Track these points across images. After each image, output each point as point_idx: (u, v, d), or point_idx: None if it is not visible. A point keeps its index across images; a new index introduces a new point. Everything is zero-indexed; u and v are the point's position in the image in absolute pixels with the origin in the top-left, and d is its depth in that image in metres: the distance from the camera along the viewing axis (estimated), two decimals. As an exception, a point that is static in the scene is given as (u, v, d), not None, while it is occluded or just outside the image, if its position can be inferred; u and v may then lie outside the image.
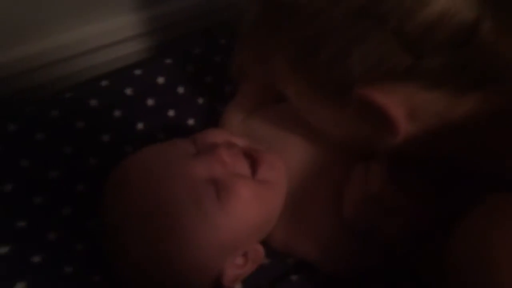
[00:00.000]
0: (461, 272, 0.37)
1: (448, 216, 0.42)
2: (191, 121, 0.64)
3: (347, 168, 0.52)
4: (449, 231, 0.40)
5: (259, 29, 0.46)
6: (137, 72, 0.61)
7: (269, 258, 0.53)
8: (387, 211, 0.47)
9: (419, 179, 0.50)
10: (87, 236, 0.51)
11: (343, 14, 0.38)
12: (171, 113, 0.62)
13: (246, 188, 0.47)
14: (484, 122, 0.42)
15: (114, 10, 0.63)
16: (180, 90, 0.63)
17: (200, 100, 0.65)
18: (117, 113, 0.58)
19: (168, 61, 0.64)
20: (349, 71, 0.40)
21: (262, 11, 0.44)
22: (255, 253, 0.50)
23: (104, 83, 0.59)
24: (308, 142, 0.55)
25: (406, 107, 0.41)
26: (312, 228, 0.52)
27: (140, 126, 0.60)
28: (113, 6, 0.63)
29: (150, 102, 0.61)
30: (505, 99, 0.40)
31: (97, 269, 0.49)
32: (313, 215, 0.53)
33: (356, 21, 0.38)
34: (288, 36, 0.43)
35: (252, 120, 0.60)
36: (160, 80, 0.62)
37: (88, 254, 0.50)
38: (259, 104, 0.61)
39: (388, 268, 0.51)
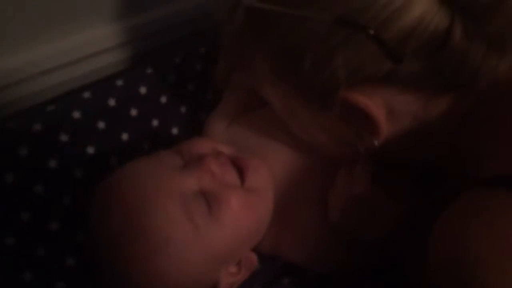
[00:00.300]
0: (440, 269, 0.38)
1: (429, 215, 0.43)
2: (175, 130, 0.64)
3: (331, 172, 0.53)
4: (430, 230, 0.41)
5: (242, 37, 0.47)
6: (119, 82, 0.61)
7: (259, 263, 0.53)
8: (370, 213, 0.49)
9: (400, 180, 0.52)
10: (76, 250, 0.51)
11: (325, 22, 0.39)
12: (155, 122, 0.62)
13: (236, 198, 0.47)
14: (456, 123, 0.44)
15: (92, 21, 0.62)
16: (163, 99, 0.63)
17: (183, 109, 0.65)
18: (101, 124, 0.58)
19: (149, 70, 0.64)
20: (333, 76, 0.41)
21: (246, 18, 0.44)
22: (248, 260, 0.50)
23: (86, 94, 0.58)
24: (292, 148, 0.56)
25: (386, 109, 0.43)
26: (299, 231, 0.53)
27: (124, 136, 0.59)
28: (92, 17, 0.62)
29: (133, 112, 0.60)
30: (472, 100, 0.43)
31: (89, 283, 0.49)
32: (299, 219, 0.54)
33: (338, 29, 0.39)
34: (271, 43, 0.44)
35: (235, 127, 0.60)
36: (143, 90, 0.62)
37: (79, 268, 0.50)
38: (242, 112, 0.62)
39: (376, 268, 0.52)
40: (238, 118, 0.61)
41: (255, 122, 0.60)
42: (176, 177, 0.47)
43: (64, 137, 0.55)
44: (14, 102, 0.57)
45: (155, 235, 0.44)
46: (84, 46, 0.62)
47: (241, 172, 0.50)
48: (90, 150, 0.56)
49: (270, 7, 0.41)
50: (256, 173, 0.51)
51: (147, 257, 0.44)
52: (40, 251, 0.49)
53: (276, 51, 0.44)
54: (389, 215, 0.49)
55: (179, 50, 0.68)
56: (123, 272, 0.45)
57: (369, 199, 0.48)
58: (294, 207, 0.54)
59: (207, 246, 0.46)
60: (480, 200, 0.38)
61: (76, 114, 0.56)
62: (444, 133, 0.46)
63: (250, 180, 0.50)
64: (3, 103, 0.56)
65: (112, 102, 0.59)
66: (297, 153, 0.56)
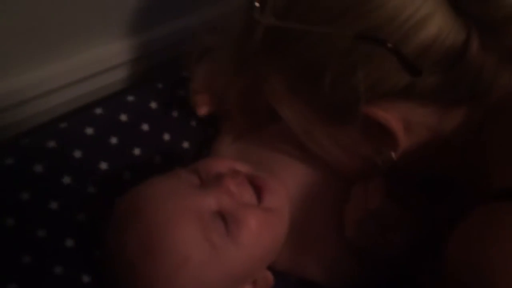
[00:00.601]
0: (459, 280, 0.38)
1: (445, 227, 0.44)
2: (185, 144, 0.64)
3: (344, 188, 0.53)
4: (446, 241, 0.41)
5: (258, 55, 0.47)
6: (130, 98, 0.61)
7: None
8: (387, 227, 0.49)
9: (415, 193, 0.52)
10: (92, 268, 0.50)
11: (346, 39, 0.40)
12: (166, 137, 0.62)
13: (254, 218, 0.47)
14: (469, 135, 0.45)
15: (101, 39, 0.63)
16: (174, 113, 0.64)
17: (193, 123, 0.65)
18: (113, 140, 0.58)
19: (160, 85, 0.64)
20: (352, 91, 0.41)
21: (264, 37, 0.45)
22: (264, 280, 0.51)
23: (98, 110, 0.58)
24: (304, 163, 0.56)
25: (403, 122, 0.44)
26: (315, 248, 0.53)
27: (137, 151, 0.59)
28: (101, 34, 0.63)
29: (145, 127, 0.61)
30: (484, 112, 0.44)
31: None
32: (315, 236, 0.54)
33: (358, 44, 0.40)
34: (290, 61, 0.45)
35: (245, 145, 0.60)
36: (153, 105, 0.62)
37: (95, 286, 0.50)
38: (250, 130, 0.62)
39: (392, 283, 0.52)
40: (246, 136, 0.61)
41: (264, 139, 0.60)
42: (195, 197, 0.47)
43: (77, 154, 0.55)
44: (27, 120, 0.57)
45: (174, 256, 0.44)
46: (94, 64, 0.63)
47: (258, 191, 0.50)
48: (104, 165, 0.56)
49: (291, 25, 0.42)
50: (273, 192, 0.50)
51: (166, 278, 0.44)
52: (57, 269, 0.48)
53: (294, 68, 0.45)
54: (406, 228, 0.49)
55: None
56: None
57: (385, 214, 0.49)
58: (310, 224, 0.54)
59: (224, 266, 0.46)
60: (497, 213, 0.38)
61: (89, 131, 0.57)
62: (458, 145, 0.46)
63: (267, 200, 0.50)
64: (17, 121, 0.56)
65: (123, 117, 0.59)
66: (310, 169, 0.56)
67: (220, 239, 0.45)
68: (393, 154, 0.46)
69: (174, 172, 0.51)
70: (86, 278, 0.50)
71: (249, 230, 0.46)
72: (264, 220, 0.48)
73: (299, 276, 0.55)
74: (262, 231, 0.47)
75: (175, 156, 0.62)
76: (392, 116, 0.43)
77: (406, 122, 0.44)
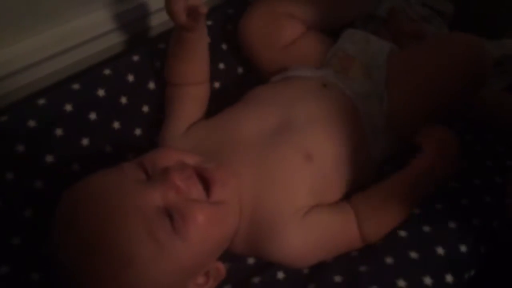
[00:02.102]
0: None
1: None
2: (138, 131, 0.62)
3: (297, 168, 0.53)
4: None
5: None
6: (75, 86, 0.59)
7: (229, 262, 0.53)
8: None
9: None
10: (41, 265, 0.49)
11: None
12: (116, 125, 0.60)
13: (201, 213, 0.46)
14: None
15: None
16: (123, 100, 0.61)
17: (145, 109, 0.63)
18: (58, 131, 0.56)
19: (107, 72, 0.61)
20: None
21: None
22: (216, 271, 0.50)
23: (41, 101, 0.56)
24: (257, 149, 0.55)
25: None
26: (268, 230, 0.52)
27: (85, 142, 0.57)
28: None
29: (92, 116, 0.58)
30: None
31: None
32: (270, 220, 0.52)
33: None
34: None
35: (195, 133, 0.59)
36: (101, 92, 0.60)
37: (45, 283, 0.48)
38: (199, 117, 0.61)
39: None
40: (195, 125, 0.60)
41: (214, 126, 0.58)
42: (139, 194, 0.45)
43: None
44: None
45: (117, 256, 0.43)
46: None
47: (207, 184, 0.49)
48: (49, 158, 0.54)
49: None
50: (222, 184, 0.49)
51: (111, 278, 0.43)
52: (2, 268, 0.47)
53: None
54: None
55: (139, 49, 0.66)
56: None
57: None
58: (264, 208, 0.52)
59: (172, 262, 0.45)
60: None
61: (31, 123, 0.54)
62: None
63: (216, 193, 0.49)
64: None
65: (68, 107, 0.57)
66: (262, 155, 0.54)
67: (166, 236, 0.44)
68: None
69: (118, 166, 0.49)
70: (34, 276, 0.49)
71: (196, 226, 0.45)
72: (212, 215, 0.47)
73: (257, 256, 0.54)
74: (209, 225, 0.46)
75: (127, 144, 0.60)
76: None
77: None
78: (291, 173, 0.54)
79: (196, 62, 0.61)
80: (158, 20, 0.69)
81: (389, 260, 0.51)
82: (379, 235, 0.53)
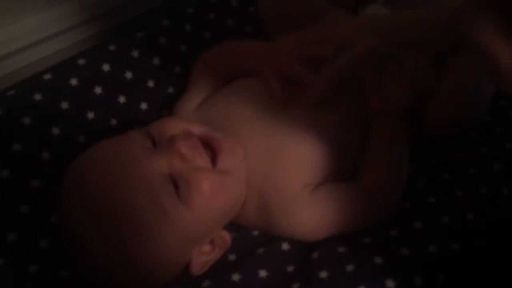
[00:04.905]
0: None
1: None
2: (143, 106, 0.63)
3: (307, 145, 0.53)
4: None
5: None
6: (81, 61, 0.59)
7: (234, 232, 0.53)
8: None
9: None
10: (49, 233, 0.50)
11: None
12: (121, 99, 0.61)
13: (207, 182, 0.46)
14: None
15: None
16: (128, 75, 0.62)
17: (151, 84, 0.64)
18: (64, 105, 0.56)
19: (112, 47, 0.62)
20: None
21: None
22: (221, 240, 0.50)
23: (47, 76, 0.57)
24: (265, 123, 0.55)
25: None
26: (278, 206, 0.52)
27: (91, 115, 0.58)
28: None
29: (98, 90, 0.59)
30: None
31: (63, 265, 0.48)
32: (280, 195, 0.52)
33: None
34: None
35: (206, 106, 0.59)
36: (106, 67, 0.60)
37: (53, 250, 0.49)
38: (211, 92, 0.61)
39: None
40: (208, 99, 0.60)
41: (224, 100, 0.58)
42: (145, 161, 0.45)
43: (27, 120, 0.53)
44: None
45: (124, 222, 0.44)
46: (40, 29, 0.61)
47: (213, 153, 0.49)
48: (56, 131, 0.55)
49: None
50: (228, 153, 0.49)
51: (120, 243, 0.44)
52: (10, 235, 0.48)
53: None
54: None
55: (142, 24, 0.66)
56: (95, 258, 0.45)
57: None
58: (271, 183, 0.52)
59: (178, 229, 0.45)
60: None
61: (38, 96, 0.55)
62: None
63: (222, 162, 0.49)
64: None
65: (74, 81, 0.58)
66: (271, 129, 0.54)
67: (171, 203, 0.44)
68: None
69: (125, 134, 0.49)
70: (43, 243, 0.49)
71: (201, 194, 0.45)
72: (217, 183, 0.47)
73: (267, 231, 0.54)
74: (214, 194, 0.46)
75: (133, 118, 0.61)
76: None
77: None
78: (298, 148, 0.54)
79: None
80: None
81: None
82: (382, 188, 0.53)
